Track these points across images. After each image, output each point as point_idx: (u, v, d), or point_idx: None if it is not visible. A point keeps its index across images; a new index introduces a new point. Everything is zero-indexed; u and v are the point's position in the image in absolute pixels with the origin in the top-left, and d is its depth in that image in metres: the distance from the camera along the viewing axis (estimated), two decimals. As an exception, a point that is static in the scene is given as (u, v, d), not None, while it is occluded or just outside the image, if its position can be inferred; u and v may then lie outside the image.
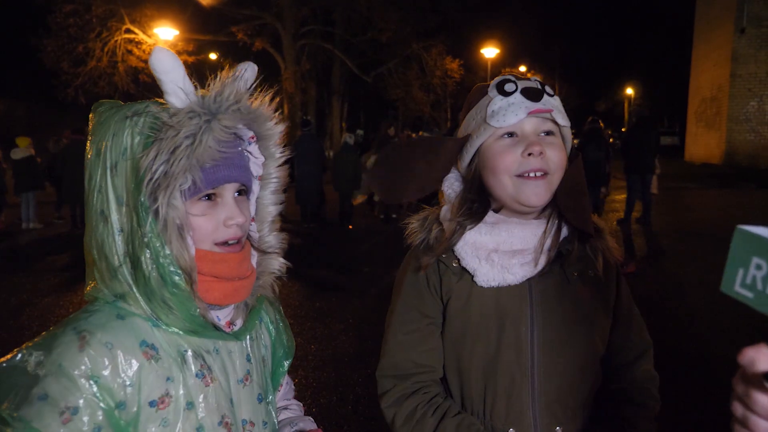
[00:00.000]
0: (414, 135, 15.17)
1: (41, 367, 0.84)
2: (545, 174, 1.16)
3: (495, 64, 25.98)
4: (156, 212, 0.89)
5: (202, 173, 0.92)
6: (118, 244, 0.91)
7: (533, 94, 1.18)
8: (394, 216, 11.71)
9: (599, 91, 45.99)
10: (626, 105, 47.10)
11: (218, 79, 0.95)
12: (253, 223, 1.10)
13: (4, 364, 0.86)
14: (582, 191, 1.23)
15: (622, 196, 11.71)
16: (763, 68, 21.59)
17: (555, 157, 1.17)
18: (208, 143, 0.90)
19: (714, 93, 23.79)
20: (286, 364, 1.24)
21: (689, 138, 27.16)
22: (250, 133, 1.03)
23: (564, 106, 1.25)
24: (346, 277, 7.35)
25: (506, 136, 1.18)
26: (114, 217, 0.91)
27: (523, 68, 35.83)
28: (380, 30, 22.56)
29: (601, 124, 10.47)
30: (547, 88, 1.21)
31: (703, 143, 24.96)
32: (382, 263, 8.10)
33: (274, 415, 1.15)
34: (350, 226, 11.11)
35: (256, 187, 1.08)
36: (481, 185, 1.24)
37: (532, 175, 1.16)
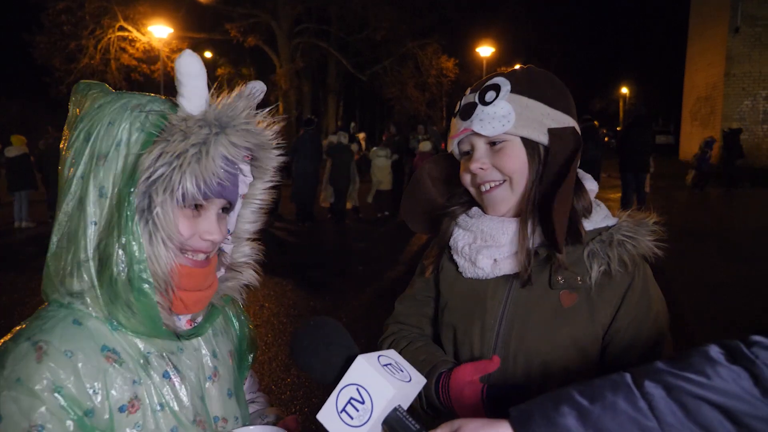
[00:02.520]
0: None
1: None
2: (501, 182, 1.19)
3: (490, 63, 25.98)
4: (141, 213, 0.86)
5: (205, 185, 0.89)
6: (89, 237, 0.87)
7: (465, 113, 1.21)
8: (386, 213, 11.71)
9: (594, 90, 46.13)
10: (621, 104, 47.26)
11: (232, 93, 0.93)
12: (229, 237, 1.08)
13: None
14: (558, 201, 1.13)
15: (617, 195, 11.74)
16: (758, 67, 21.67)
17: (506, 165, 1.18)
18: (214, 157, 0.88)
19: (708, 92, 23.88)
20: (251, 357, 1.24)
21: (684, 137, 27.26)
22: (247, 153, 1.00)
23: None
24: (340, 277, 7.34)
25: (465, 154, 1.25)
26: (90, 209, 0.87)
27: (518, 67, 35.62)
28: (375, 28, 22.53)
29: (596, 123, 10.51)
30: (488, 95, 1.18)
31: (697, 142, 24.96)
32: (377, 262, 8.09)
33: (244, 409, 1.13)
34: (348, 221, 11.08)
35: (239, 205, 1.07)
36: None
37: (486, 187, 1.21)
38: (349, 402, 0.86)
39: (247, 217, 1.09)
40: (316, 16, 25.37)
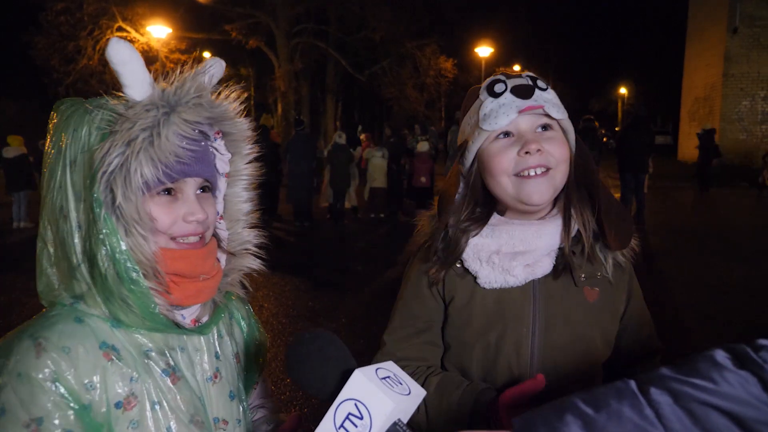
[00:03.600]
0: (406, 133, 15.18)
1: (1, 380, 0.82)
2: (546, 170, 1.14)
3: (489, 64, 25.97)
4: (111, 207, 0.86)
5: (165, 167, 0.89)
6: (76, 242, 0.89)
7: (523, 92, 1.15)
8: (382, 215, 11.73)
9: (592, 90, 46.13)
10: (620, 104, 47.29)
11: (181, 73, 0.93)
12: (221, 221, 1.07)
13: None
14: (620, 209, 1.22)
15: (616, 195, 11.74)
16: (756, 68, 21.70)
17: (555, 152, 1.14)
18: (167, 137, 0.87)
19: (707, 92, 23.89)
20: (261, 361, 1.23)
21: (682, 137, 27.27)
22: (215, 129, 1.00)
23: None
24: (339, 277, 7.33)
25: (502, 136, 1.17)
26: (72, 214, 0.89)
27: (517, 67, 35.54)
28: (373, 29, 22.51)
29: (596, 123, 10.52)
30: (540, 82, 1.19)
31: (696, 142, 25.06)
32: (376, 262, 8.08)
33: (247, 413, 1.13)
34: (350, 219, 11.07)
35: (222, 184, 1.06)
36: (483, 189, 1.23)
37: (532, 173, 1.13)
38: (347, 418, 0.84)
39: (239, 196, 1.08)
40: (315, 16, 25.34)
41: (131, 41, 19.67)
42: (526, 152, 1.12)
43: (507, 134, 1.17)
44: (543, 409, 0.82)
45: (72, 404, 0.84)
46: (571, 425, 0.76)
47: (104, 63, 19.71)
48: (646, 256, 8.09)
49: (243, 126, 1.03)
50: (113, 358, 0.90)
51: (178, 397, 0.95)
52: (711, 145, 16.04)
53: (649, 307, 1.37)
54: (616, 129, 41.17)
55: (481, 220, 1.22)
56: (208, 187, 0.99)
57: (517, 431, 0.80)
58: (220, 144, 1.02)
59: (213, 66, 0.98)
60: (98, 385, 0.87)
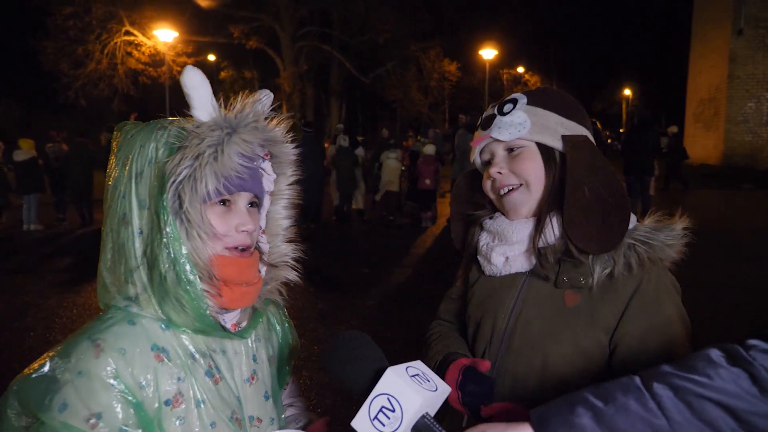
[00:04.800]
0: (411, 135, 15.23)
1: (61, 377, 0.90)
2: (518, 186, 1.27)
3: (493, 66, 26.05)
4: (176, 214, 0.96)
5: (226, 181, 0.99)
6: (136, 246, 0.97)
7: (485, 123, 1.32)
8: (391, 218, 11.80)
9: (596, 92, 46.11)
10: (624, 106, 47.23)
11: (239, 100, 1.03)
12: (263, 235, 1.16)
13: (33, 375, 0.92)
14: (598, 211, 1.17)
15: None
16: (761, 69, 21.69)
17: (521, 169, 1.27)
18: (229, 154, 0.98)
19: (712, 94, 23.88)
20: (292, 363, 1.31)
21: (687, 139, 27.21)
22: (264, 151, 1.10)
23: None
24: (347, 279, 7.40)
25: (486, 164, 1.34)
26: (135, 220, 0.98)
27: (521, 69, 35.93)
28: (378, 31, 22.61)
29: (599, 126, 10.55)
30: (506, 106, 1.29)
31: (701, 144, 25.04)
32: (383, 264, 8.15)
33: (281, 412, 1.21)
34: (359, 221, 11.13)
35: (267, 202, 1.15)
36: None
37: (504, 191, 1.29)
38: (380, 410, 0.93)
39: (279, 213, 1.18)
40: (319, 19, 25.46)
41: (138, 45, 19.71)
42: (493, 176, 1.30)
43: (488, 162, 1.33)
44: (555, 403, 0.90)
45: (131, 399, 0.92)
46: (582, 416, 0.84)
47: (113, 67, 19.90)
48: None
49: (289, 150, 1.14)
50: (163, 359, 0.98)
51: (219, 397, 1.03)
52: (680, 147, 16.48)
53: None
54: (620, 131, 41.09)
55: (490, 213, 1.39)
56: (255, 203, 1.09)
57: (533, 423, 0.88)
58: (267, 165, 1.13)
59: (265, 96, 1.09)
60: (151, 383, 0.95)
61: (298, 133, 10.88)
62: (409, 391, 0.92)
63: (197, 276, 0.97)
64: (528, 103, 1.28)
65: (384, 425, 0.92)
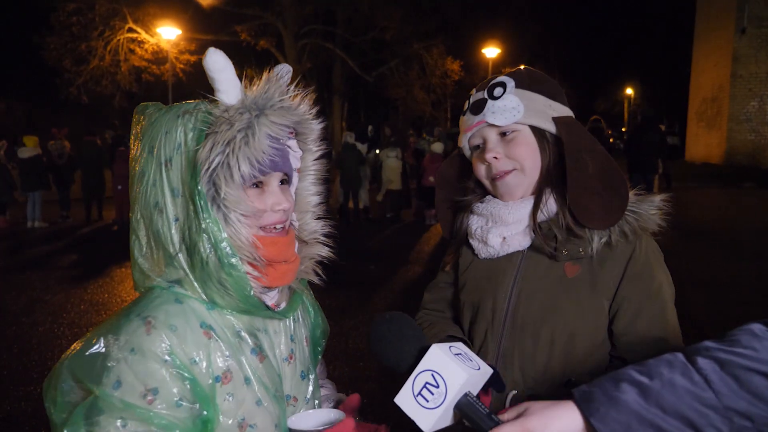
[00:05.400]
0: (412, 134, 15.22)
1: (114, 354, 0.90)
2: (512, 170, 1.28)
3: (496, 64, 26.00)
4: (212, 199, 0.95)
5: (258, 163, 0.98)
6: (173, 233, 0.97)
7: (476, 108, 1.31)
8: (389, 216, 11.83)
9: (599, 91, 46.03)
10: (626, 105, 47.17)
11: (263, 79, 1.01)
12: (293, 213, 1.15)
13: (86, 353, 0.92)
14: (601, 188, 1.23)
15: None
16: (764, 68, 21.66)
17: (517, 153, 1.28)
18: (259, 137, 0.96)
19: (715, 93, 23.87)
20: (323, 343, 1.31)
21: (690, 138, 27.25)
22: (290, 129, 1.08)
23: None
24: (354, 275, 7.41)
25: (476, 148, 1.34)
26: (169, 208, 0.97)
27: (520, 67, 35.59)
28: (382, 29, 22.59)
29: (603, 124, 10.55)
30: (496, 90, 1.30)
31: (703, 143, 25.05)
32: (389, 261, 8.17)
33: (316, 391, 1.21)
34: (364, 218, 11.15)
35: (295, 178, 1.14)
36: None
37: (499, 176, 1.30)
38: (424, 386, 0.93)
39: (308, 189, 1.17)
40: (323, 17, 25.44)
41: (141, 42, 19.64)
42: (487, 161, 1.29)
43: (478, 146, 1.33)
44: (600, 381, 0.90)
45: (186, 375, 0.93)
46: (628, 393, 0.84)
47: (116, 64, 19.88)
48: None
49: (315, 127, 1.12)
50: (212, 336, 0.98)
51: (264, 374, 1.04)
52: (664, 146, 16.47)
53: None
54: (623, 129, 41.03)
55: (479, 197, 1.39)
56: (285, 181, 1.08)
57: (576, 401, 0.88)
58: (293, 142, 1.11)
59: (283, 71, 1.07)
60: (203, 359, 0.95)
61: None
62: (454, 366, 0.92)
63: (239, 259, 0.97)
64: (517, 87, 1.30)
65: (428, 401, 0.92)
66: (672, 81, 36.67)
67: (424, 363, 0.94)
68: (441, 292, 1.53)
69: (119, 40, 19.82)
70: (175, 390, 0.91)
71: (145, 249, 1.01)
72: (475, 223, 1.37)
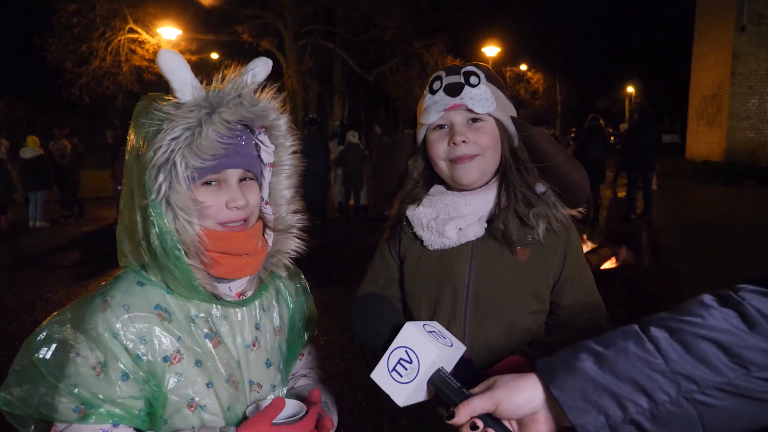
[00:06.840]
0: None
1: (74, 331, 1.00)
2: (475, 155, 1.35)
3: (496, 63, 26.03)
4: (163, 194, 1.00)
5: (205, 161, 1.01)
6: (138, 221, 1.03)
7: (452, 90, 1.35)
8: (386, 213, 11.86)
9: (599, 89, 45.97)
10: (626, 103, 47.11)
11: (223, 76, 1.05)
12: (267, 206, 1.20)
13: (53, 321, 1.02)
14: (563, 171, 1.38)
15: (622, 194, 11.80)
16: (764, 66, 21.61)
17: (482, 141, 1.35)
18: (207, 135, 0.99)
19: (715, 91, 23.83)
20: (306, 335, 1.35)
21: (690, 136, 27.20)
22: (260, 123, 1.11)
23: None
24: (350, 272, 7.45)
25: (438, 128, 1.38)
26: (137, 198, 1.03)
27: (523, 67, 35.87)
28: (382, 28, 22.60)
29: (602, 122, 10.55)
30: (473, 78, 1.36)
31: (704, 141, 25.01)
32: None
33: (284, 380, 1.26)
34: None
35: (267, 173, 1.18)
36: (427, 169, 1.46)
37: (460, 159, 1.35)
38: (399, 362, 0.98)
39: (281, 184, 1.20)
40: (323, 17, 25.46)
41: (142, 42, 19.65)
42: (454, 143, 1.34)
43: (441, 126, 1.38)
44: (560, 353, 0.95)
45: (130, 351, 1.01)
46: (585, 361, 0.89)
47: (117, 64, 19.91)
48: (654, 252, 8.18)
49: (283, 121, 1.15)
50: (165, 318, 1.05)
51: (218, 358, 1.09)
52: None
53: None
54: (621, 126, 41.00)
55: (416, 197, 1.45)
56: (252, 177, 1.11)
57: (539, 372, 0.93)
58: (264, 137, 1.14)
59: (257, 65, 1.10)
60: (152, 339, 1.03)
61: (302, 131, 10.93)
62: (425, 342, 0.97)
63: (183, 252, 1.01)
64: (487, 80, 1.37)
65: (402, 375, 0.97)
66: (672, 79, 36.61)
67: (398, 340, 0.99)
68: (382, 290, 1.50)
69: (120, 40, 19.83)
70: (120, 364, 0.99)
71: (127, 231, 1.08)
72: (425, 215, 1.41)
